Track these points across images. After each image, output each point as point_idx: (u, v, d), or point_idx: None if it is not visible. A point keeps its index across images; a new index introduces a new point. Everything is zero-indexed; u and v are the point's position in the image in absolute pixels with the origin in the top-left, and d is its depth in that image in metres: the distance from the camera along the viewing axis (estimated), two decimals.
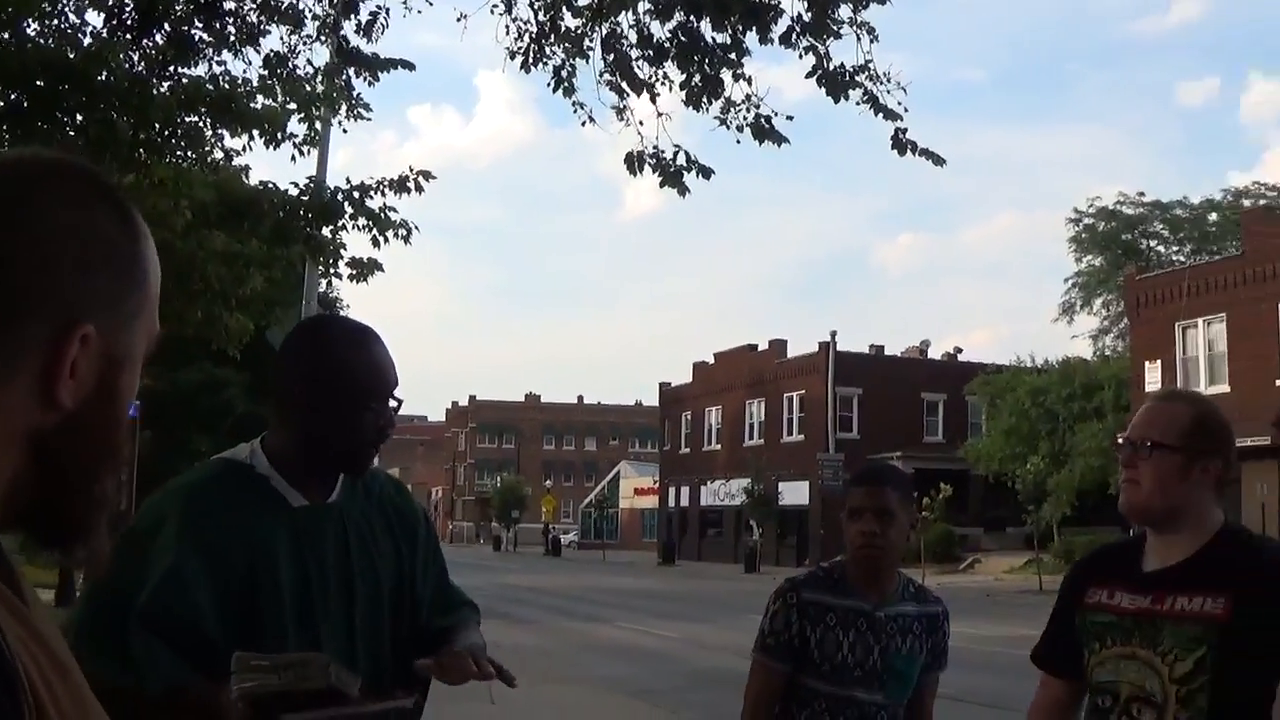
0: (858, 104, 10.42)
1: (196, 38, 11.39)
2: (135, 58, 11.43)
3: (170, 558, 3.51)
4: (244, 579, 3.56)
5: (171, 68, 11.83)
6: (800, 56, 10.37)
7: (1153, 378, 54.26)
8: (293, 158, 13.02)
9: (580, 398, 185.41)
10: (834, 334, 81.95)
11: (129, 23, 11.20)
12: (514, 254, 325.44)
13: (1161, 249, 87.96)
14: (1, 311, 1.49)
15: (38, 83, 11.64)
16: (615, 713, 19.74)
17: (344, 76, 12.31)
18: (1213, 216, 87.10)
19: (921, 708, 5.45)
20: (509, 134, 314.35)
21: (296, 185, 13.92)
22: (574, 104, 11.14)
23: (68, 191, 1.57)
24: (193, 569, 3.51)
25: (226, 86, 12.27)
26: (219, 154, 13.72)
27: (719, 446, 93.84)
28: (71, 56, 11.52)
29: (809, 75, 10.40)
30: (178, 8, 11.14)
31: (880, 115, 10.42)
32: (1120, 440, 4.13)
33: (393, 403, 3.78)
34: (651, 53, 10.71)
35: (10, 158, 1.61)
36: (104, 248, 1.56)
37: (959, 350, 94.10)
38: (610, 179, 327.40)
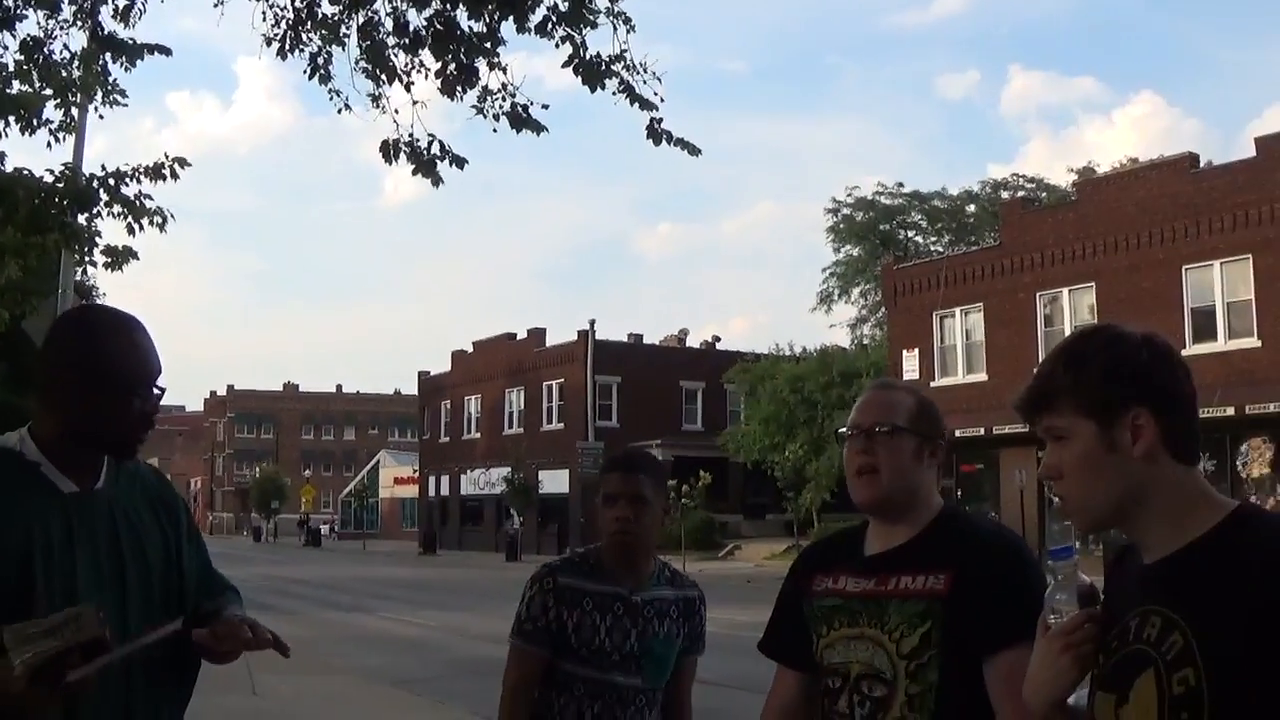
0: (614, 94, 10.50)
1: None
2: None
3: None
4: (17, 564, 3.58)
5: None
6: (557, 46, 10.44)
7: (910, 366, 55.23)
8: (49, 144, 12.81)
9: (339, 386, 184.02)
10: (593, 322, 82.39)
11: None
12: (273, 242, 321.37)
13: (920, 239, 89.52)
14: None
15: None
16: (378, 702, 19.66)
17: (100, 62, 12.14)
18: (971, 208, 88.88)
19: (679, 691, 5.53)
20: (268, 121, 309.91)
21: (52, 172, 13.71)
22: (330, 91, 11.11)
23: None
24: None
25: None
26: None
27: (479, 435, 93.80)
28: None
29: (566, 64, 10.47)
30: None
31: (636, 105, 10.52)
32: (847, 430, 4.20)
33: (156, 390, 3.85)
34: (407, 41, 10.72)
35: None
36: None
37: (717, 339, 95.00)
38: (370, 167, 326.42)
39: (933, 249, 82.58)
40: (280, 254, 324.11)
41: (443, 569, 68.41)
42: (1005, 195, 79.90)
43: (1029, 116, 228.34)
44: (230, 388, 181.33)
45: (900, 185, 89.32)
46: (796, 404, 65.03)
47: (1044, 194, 79.37)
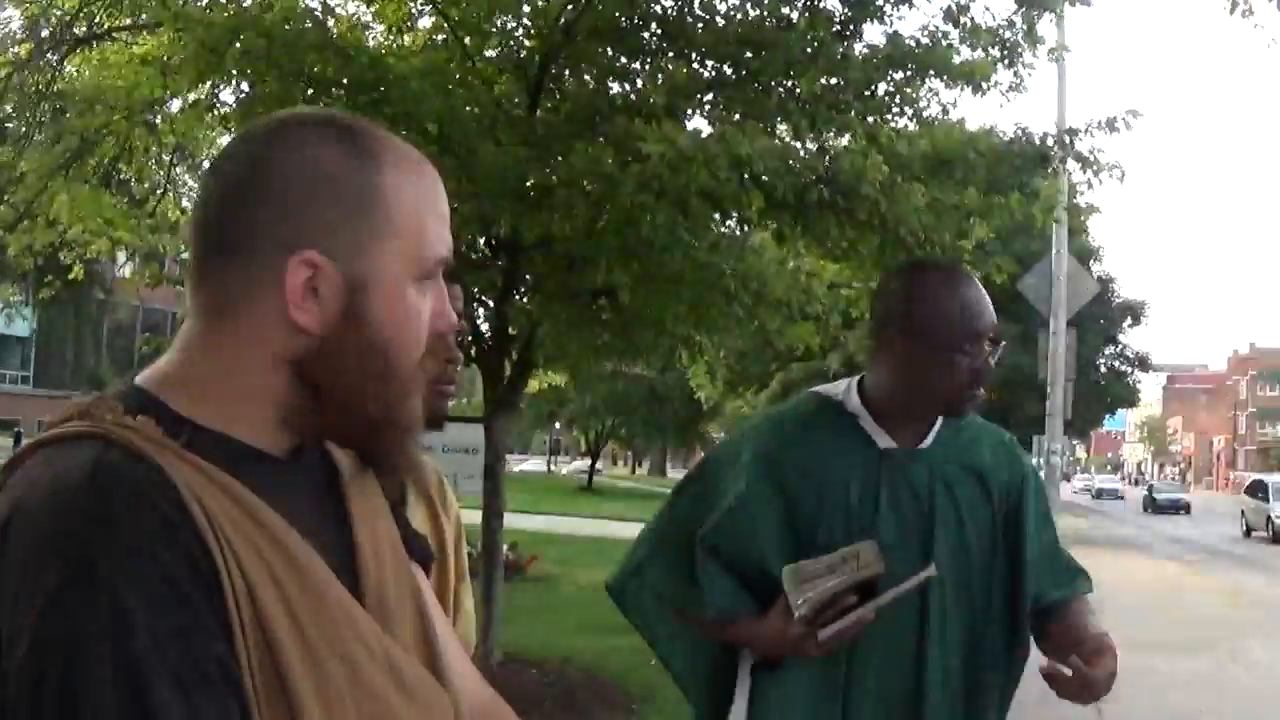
0: None
1: None
2: (814, 21, 11.64)
3: (740, 487, 3.64)
4: (811, 514, 3.60)
5: (851, 27, 12.05)
6: None
7: None
8: (1000, 105, 13.04)
9: None
10: None
11: None
12: None
13: None
14: (236, 247, 1.69)
15: (746, 54, 12.12)
16: None
17: (1027, 20, 12.25)
18: None
19: None
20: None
21: (1006, 133, 13.93)
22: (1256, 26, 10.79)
23: (297, 138, 1.74)
24: (759, 500, 3.62)
25: (928, 42, 12.38)
26: (936, 108, 13.76)
27: None
28: (768, 24, 11.92)
29: None
30: None
31: None
32: None
33: (989, 346, 3.63)
34: None
35: (261, 121, 1.82)
36: (327, 182, 1.70)
37: None
38: None
39: None
40: None
41: None
42: None
43: None
44: (1252, 345, 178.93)
45: None
46: None
47: None
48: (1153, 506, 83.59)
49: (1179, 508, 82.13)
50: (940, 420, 3.76)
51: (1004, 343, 3.71)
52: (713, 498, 3.71)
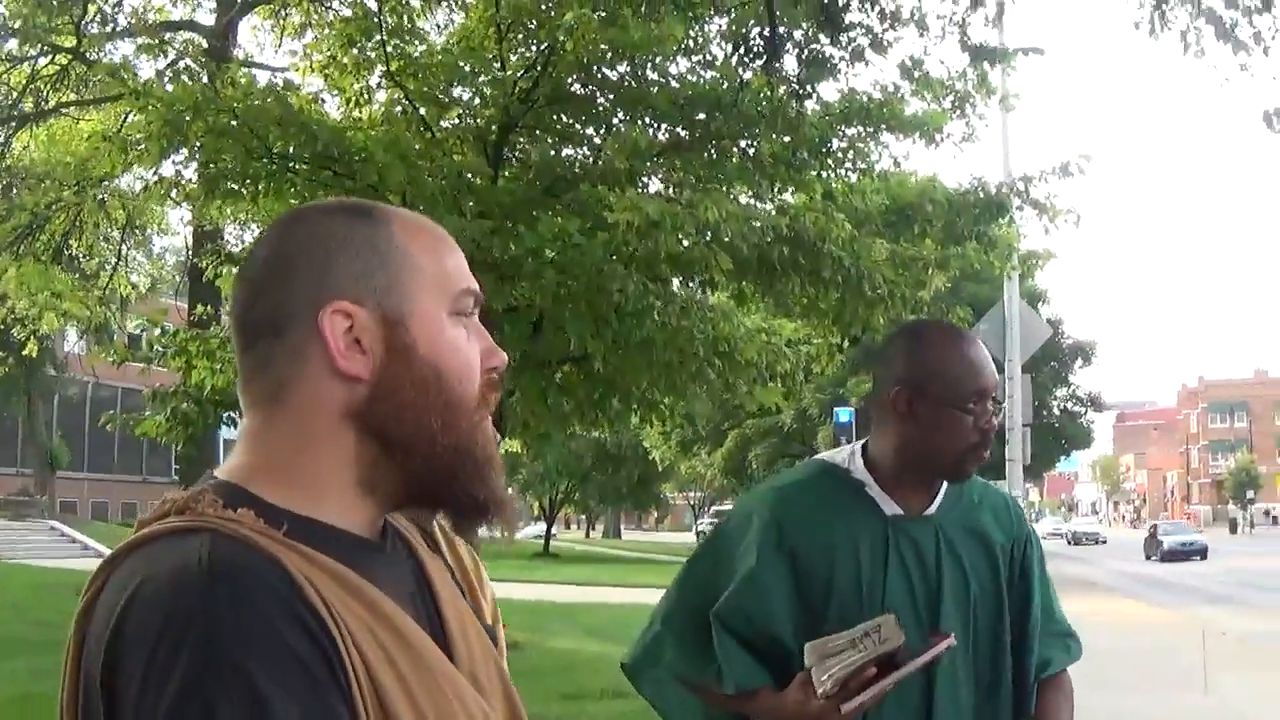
0: None
1: (826, 55, 11.61)
2: (770, 81, 11.74)
3: (751, 561, 3.61)
4: (823, 585, 3.58)
5: (808, 86, 12.14)
6: None
7: None
8: (953, 157, 13.19)
9: None
10: None
11: (756, 50, 11.53)
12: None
13: None
14: (273, 329, 1.75)
15: (701, 116, 12.20)
16: None
17: (979, 71, 12.36)
18: None
19: None
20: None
21: (962, 183, 14.01)
22: (1210, 67, 10.90)
23: (306, 219, 1.83)
24: (771, 574, 3.59)
25: (879, 97, 12.49)
26: (888, 161, 13.86)
27: None
28: (724, 87, 12.01)
29: None
30: (800, 30, 11.37)
31: None
32: None
33: (992, 405, 3.58)
34: (1258, 4, 10.33)
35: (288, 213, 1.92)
36: (341, 241, 1.76)
37: None
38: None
39: None
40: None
41: None
42: None
43: None
44: (1200, 378, 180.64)
45: None
46: None
47: None
48: (1159, 552, 70.71)
49: (1193, 552, 69.68)
50: (945, 485, 3.71)
51: (1004, 402, 3.69)
52: (725, 571, 3.67)
